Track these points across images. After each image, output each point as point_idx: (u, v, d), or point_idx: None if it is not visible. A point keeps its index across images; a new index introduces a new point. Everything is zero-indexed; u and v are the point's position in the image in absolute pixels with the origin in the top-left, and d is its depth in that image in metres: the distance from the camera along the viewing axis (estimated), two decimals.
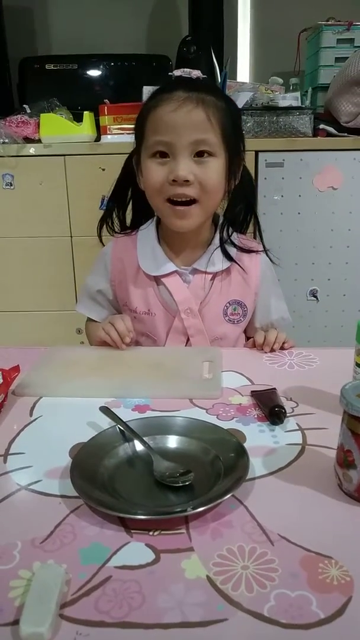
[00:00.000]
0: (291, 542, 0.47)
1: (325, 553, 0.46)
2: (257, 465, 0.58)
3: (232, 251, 0.99)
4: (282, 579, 0.43)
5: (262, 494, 0.54)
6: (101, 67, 2.13)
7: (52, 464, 0.59)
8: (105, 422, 0.67)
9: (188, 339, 0.99)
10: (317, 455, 0.61)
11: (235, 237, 1.01)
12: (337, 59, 1.94)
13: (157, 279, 0.99)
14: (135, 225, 1.06)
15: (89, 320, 1.10)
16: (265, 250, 1.04)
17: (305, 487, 0.55)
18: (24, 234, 1.83)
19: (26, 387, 0.78)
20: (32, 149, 1.75)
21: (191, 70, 0.91)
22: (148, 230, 1.03)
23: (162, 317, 0.99)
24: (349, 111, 1.78)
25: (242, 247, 1.01)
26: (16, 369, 0.78)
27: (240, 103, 1.70)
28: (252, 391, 0.76)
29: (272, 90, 1.89)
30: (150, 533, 0.49)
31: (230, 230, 1.01)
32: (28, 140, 1.76)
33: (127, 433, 0.62)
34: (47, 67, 2.10)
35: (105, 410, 0.68)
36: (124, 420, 0.64)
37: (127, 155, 1.01)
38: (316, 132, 1.80)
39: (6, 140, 1.73)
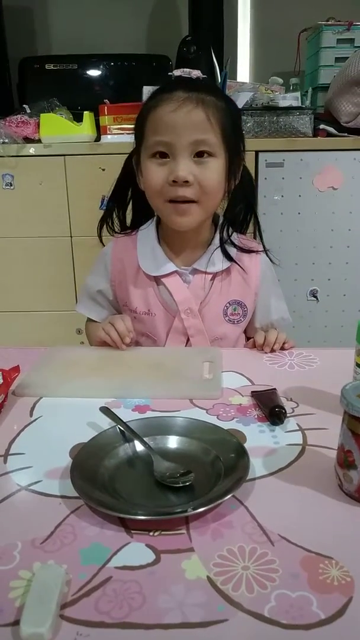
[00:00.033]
0: (291, 543, 0.47)
1: (326, 553, 0.46)
2: (257, 466, 0.58)
3: (232, 251, 0.99)
4: (283, 579, 0.43)
5: (263, 494, 0.54)
6: (101, 67, 2.13)
7: (52, 465, 0.59)
8: (106, 423, 0.67)
9: (188, 339, 0.99)
10: (318, 456, 0.61)
11: (235, 237, 1.01)
12: (337, 59, 1.94)
13: (157, 279, 0.99)
14: (135, 225, 1.06)
15: (89, 320, 1.10)
16: (265, 251, 1.04)
17: (306, 487, 0.55)
18: (24, 234, 1.83)
19: (26, 388, 0.78)
20: (32, 149, 1.75)
21: (191, 70, 0.91)
22: (148, 231, 1.03)
23: (162, 317, 0.99)
24: (349, 111, 1.78)
25: (242, 247, 1.01)
26: (16, 369, 0.78)
27: (240, 103, 1.70)
28: (252, 391, 0.76)
29: (272, 90, 1.89)
30: (151, 533, 0.48)
31: (230, 230, 1.01)
32: (28, 140, 1.76)
33: (128, 433, 0.62)
34: (47, 67, 2.10)
35: (106, 410, 0.68)
36: (124, 421, 0.64)
37: (127, 155, 1.01)
38: (316, 132, 1.80)
39: (6, 140, 1.73)
